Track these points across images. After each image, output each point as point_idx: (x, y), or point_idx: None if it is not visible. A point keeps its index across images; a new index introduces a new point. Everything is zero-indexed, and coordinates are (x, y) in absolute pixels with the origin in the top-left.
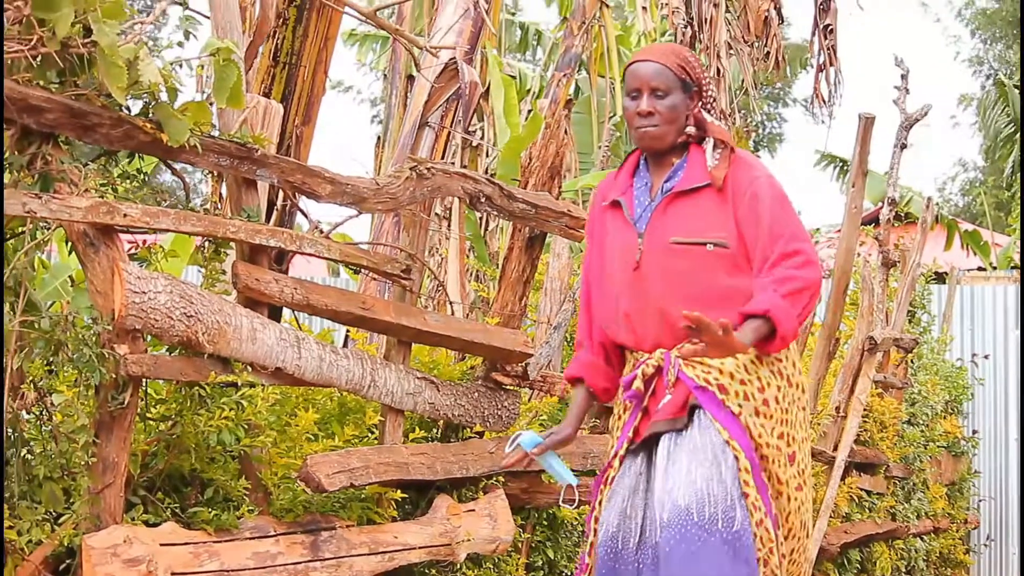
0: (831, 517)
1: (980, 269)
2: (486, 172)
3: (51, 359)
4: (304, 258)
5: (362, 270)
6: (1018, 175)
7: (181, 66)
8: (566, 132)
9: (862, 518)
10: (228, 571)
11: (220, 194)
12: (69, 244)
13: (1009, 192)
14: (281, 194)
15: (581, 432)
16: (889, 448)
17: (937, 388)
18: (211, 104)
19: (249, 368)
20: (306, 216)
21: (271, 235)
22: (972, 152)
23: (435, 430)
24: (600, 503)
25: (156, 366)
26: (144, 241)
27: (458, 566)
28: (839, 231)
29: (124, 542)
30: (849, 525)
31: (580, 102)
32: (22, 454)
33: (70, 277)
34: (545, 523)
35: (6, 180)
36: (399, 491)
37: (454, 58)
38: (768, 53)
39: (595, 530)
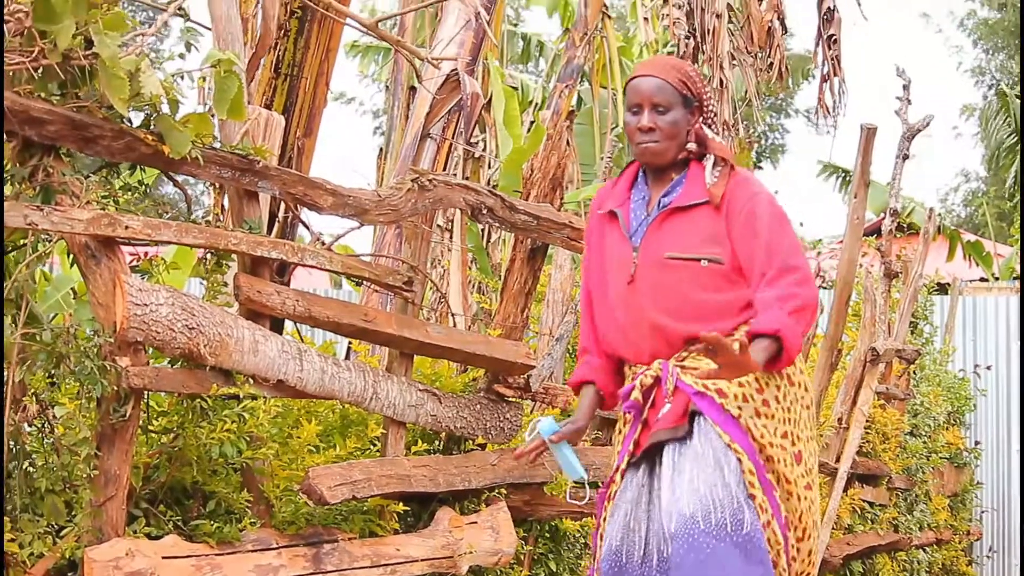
0: (833, 529)
1: (982, 280)
2: (488, 184)
3: (53, 371)
4: (306, 270)
5: (364, 282)
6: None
7: (183, 78)
8: (568, 143)
9: (864, 530)
10: None
11: (222, 206)
12: (71, 256)
13: (1011, 203)
14: (283, 206)
15: (584, 443)
16: (891, 459)
17: (939, 399)
18: (213, 116)
19: (251, 380)
20: (308, 228)
21: (273, 247)
22: (974, 163)
23: (437, 442)
24: (604, 519)
25: (158, 378)
26: (146, 253)
27: None
28: (841, 242)
29: (126, 555)
30: (851, 537)
31: (582, 113)
32: (24, 467)
33: (72, 289)
34: (547, 535)
35: (8, 192)
36: (401, 503)
37: (456, 69)
38: (771, 64)
39: (600, 546)
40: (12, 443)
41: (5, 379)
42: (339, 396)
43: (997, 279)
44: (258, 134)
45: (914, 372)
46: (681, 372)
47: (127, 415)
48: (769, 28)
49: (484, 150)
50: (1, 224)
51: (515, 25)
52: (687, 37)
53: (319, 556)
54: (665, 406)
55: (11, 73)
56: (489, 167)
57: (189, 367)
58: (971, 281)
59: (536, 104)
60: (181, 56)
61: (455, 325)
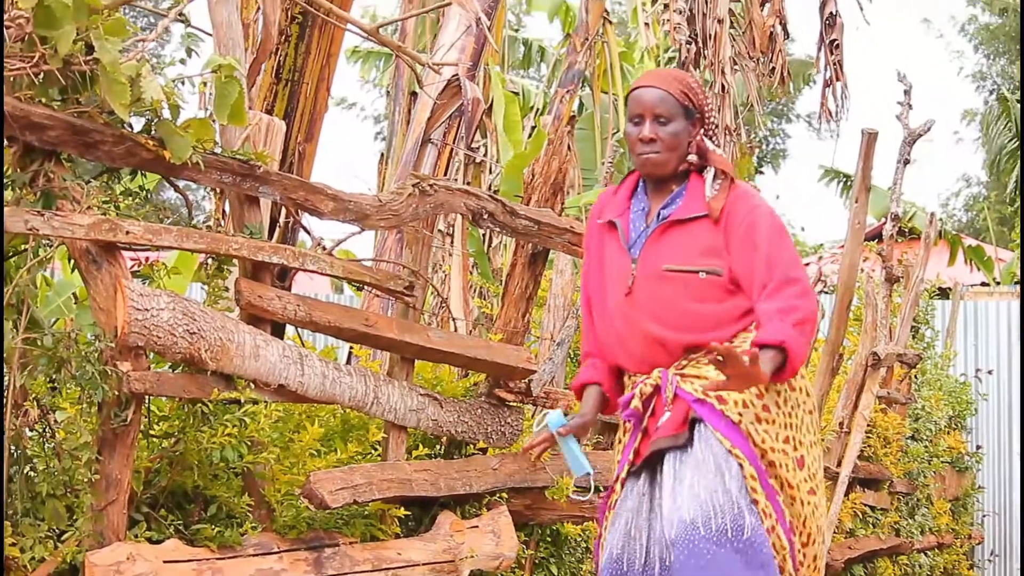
0: (835, 533)
1: (984, 284)
2: (489, 188)
3: (54, 376)
4: (307, 275)
5: (365, 287)
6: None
7: (183, 83)
8: (569, 148)
9: (866, 534)
10: None
11: (223, 211)
12: (72, 261)
13: (1012, 207)
14: (284, 211)
15: (585, 447)
16: (893, 464)
17: (941, 403)
18: (213, 121)
19: (252, 385)
20: (309, 233)
21: (274, 252)
22: (976, 167)
23: (438, 447)
24: (605, 528)
25: (159, 383)
26: (147, 258)
27: None
28: (842, 246)
29: (127, 559)
30: (853, 541)
31: (583, 118)
32: (25, 471)
33: (73, 294)
34: (549, 539)
35: (9, 197)
36: (402, 508)
37: (456, 75)
38: (774, 69)
39: (601, 555)
40: (13, 447)
41: (7, 384)
42: (340, 401)
43: (998, 283)
44: (259, 139)
45: (915, 376)
46: (681, 380)
47: (128, 420)
48: (771, 33)
49: (485, 155)
50: (1, 229)
51: (516, 30)
52: (688, 42)
53: (320, 560)
54: (664, 414)
55: (12, 78)
56: (490, 172)
57: (190, 372)
58: (972, 285)
59: (537, 109)
60: (182, 61)
61: (456, 330)
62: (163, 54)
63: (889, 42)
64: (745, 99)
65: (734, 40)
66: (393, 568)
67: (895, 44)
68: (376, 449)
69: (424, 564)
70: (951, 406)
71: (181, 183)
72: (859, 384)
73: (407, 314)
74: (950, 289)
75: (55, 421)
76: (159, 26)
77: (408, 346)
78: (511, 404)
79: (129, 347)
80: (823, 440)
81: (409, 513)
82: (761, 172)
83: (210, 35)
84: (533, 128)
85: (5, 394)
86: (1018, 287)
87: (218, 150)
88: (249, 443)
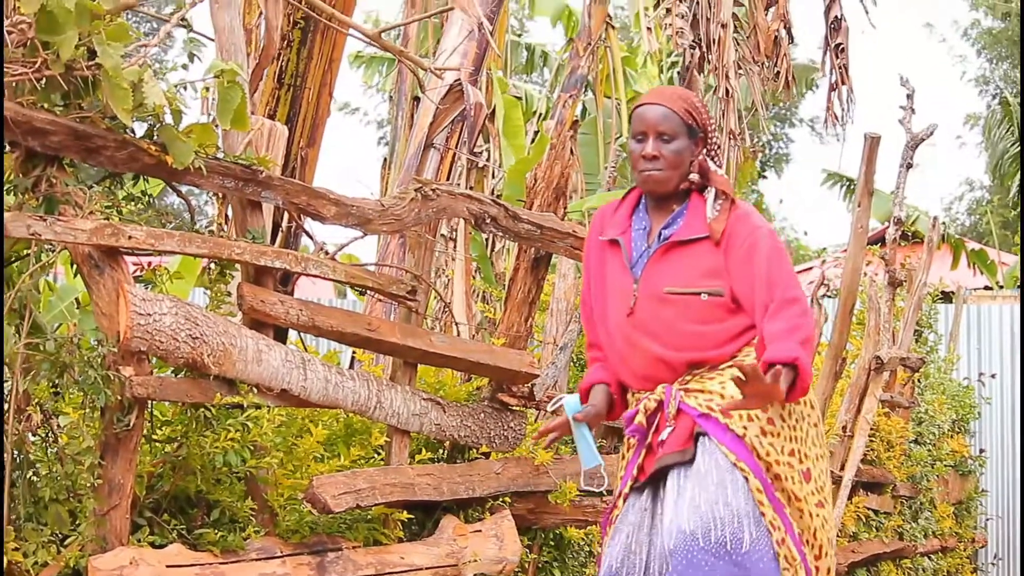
0: (839, 537)
1: (987, 288)
2: (492, 193)
3: (57, 381)
4: (310, 280)
5: (368, 292)
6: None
7: (186, 88)
8: (572, 153)
9: (869, 537)
10: None
11: (225, 216)
12: (74, 267)
13: (1015, 211)
14: (286, 216)
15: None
16: (896, 467)
17: (944, 407)
18: (216, 126)
19: (255, 390)
20: (311, 237)
21: (276, 256)
22: (978, 172)
23: (441, 451)
24: (606, 542)
25: (162, 388)
26: (149, 263)
27: None
28: (845, 251)
29: (130, 564)
30: (856, 544)
31: (586, 123)
32: (28, 476)
33: (76, 300)
34: (552, 543)
35: (11, 203)
36: (405, 512)
37: (459, 80)
38: (778, 73)
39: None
40: (16, 452)
41: (10, 389)
42: (343, 405)
43: (1001, 287)
44: (261, 144)
45: (918, 380)
46: (684, 395)
47: (131, 424)
48: (776, 37)
49: (488, 160)
50: (1, 233)
51: (519, 35)
52: (692, 47)
53: (323, 565)
54: (667, 428)
55: (14, 84)
56: (493, 177)
57: (193, 377)
58: (975, 289)
59: (540, 114)
60: (184, 67)
61: (459, 334)
62: (165, 59)
63: (892, 47)
64: (749, 104)
65: (738, 44)
66: (396, 572)
67: (898, 49)
68: (379, 453)
69: (427, 568)
70: (954, 410)
71: (184, 188)
72: (862, 388)
73: (410, 318)
74: (953, 293)
75: (58, 426)
76: (161, 31)
77: (411, 350)
78: (514, 408)
79: (132, 352)
80: (827, 444)
81: (412, 517)
82: (764, 176)
83: (212, 40)
84: (536, 133)
85: (8, 399)
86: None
87: (220, 155)
88: (252, 448)
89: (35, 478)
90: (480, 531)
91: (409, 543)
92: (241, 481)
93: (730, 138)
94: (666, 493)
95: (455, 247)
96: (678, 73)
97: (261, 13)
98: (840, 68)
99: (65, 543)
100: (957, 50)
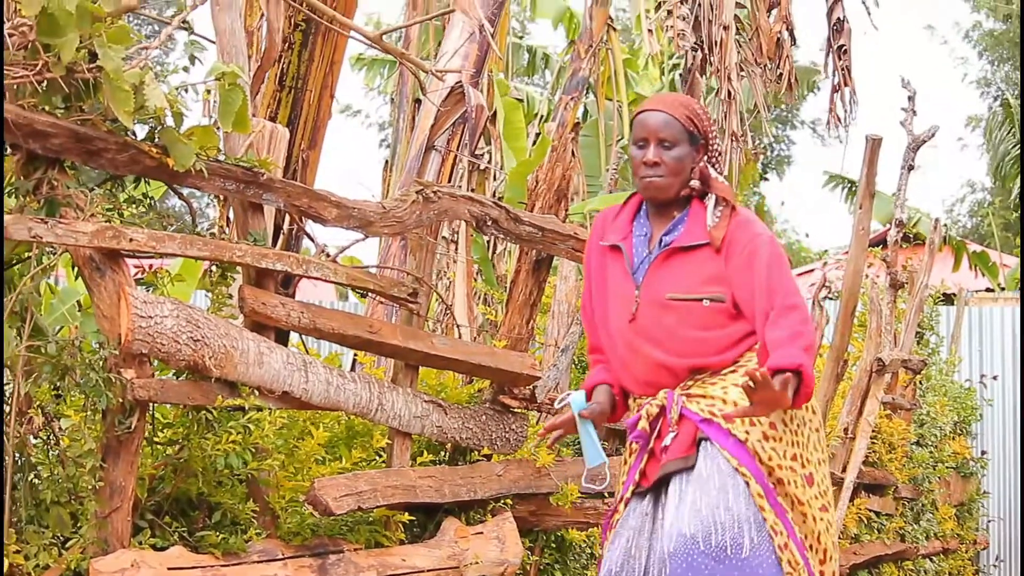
0: (840, 539)
1: (988, 290)
2: (494, 195)
3: (58, 384)
4: (312, 282)
5: (369, 294)
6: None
7: (187, 91)
8: (573, 155)
9: (871, 539)
10: None
11: (227, 218)
12: (76, 269)
13: (1017, 213)
14: (287, 218)
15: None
16: (898, 469)
17: (946, 409)
18: (217, 129)
19: (256, 392)
20: (312, 240)
21: (277, 259)
22: (980, 173)
23: (443, 453)
24: (606, 546)
25: (163, 390)
26: (151, 266)
27: None
28: (847, 252)
29: (132, 566)
30: (858, 546)
31: (588, 125)
32: (29, 478)
33: (78, 302)
34: (553, 546)
35: (12, 205)
36: (407, 514)
37: (460, 82)
38: (781, 75)
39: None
40: (17, 455)
41: (11, 391)
42: (344, 407)
43: (1003, 289)
44: (262, 146)
45: (920, 382)
46: (686, 400)
47: (132, 427)
48: (778, 39)
49: (489, 162)
50: (1, 237)
51: (521, 38)
52: (694, 49)
53: (325, 567)
54: (670, 434)
55: (15, 86)
56: (494, 179)
57: (194, 379)
58: (977, 291)
59: (542, 116)
60: (185, 69)
61: (460, 337)
62: (167, 62)
63: (893, 48)
64: (752, 105)
65: (740, 46)
66: (398, 575)
67: (899, 50)
68: (380, 456)
69: (429, 570)
70: (956, 412)
71: (185, 191)
72: (864, 390)
73: (411, 321)
74: (955, 295)
75: (59, 428)
76: (163, 34)
77: (412, 353)
78: (515, 411)
79: (133, 354)
80: (829, 446)
81: (414, 519)
82: (766, 179)
83: (213, 43)
84: (537, 135)
85: (9, 401)
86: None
87: (222, 157)
88: (253, 450)
89: (36, 480)
90: (482, 533)
91: (411, 545)
92: (242, 483)
93: (732, 140)
94: (667, 498)
95: (456, 249)
96: (680, 75)
97: (262, 15)
98: (843, 70)
99: (66, 545)
100: (958, 52)
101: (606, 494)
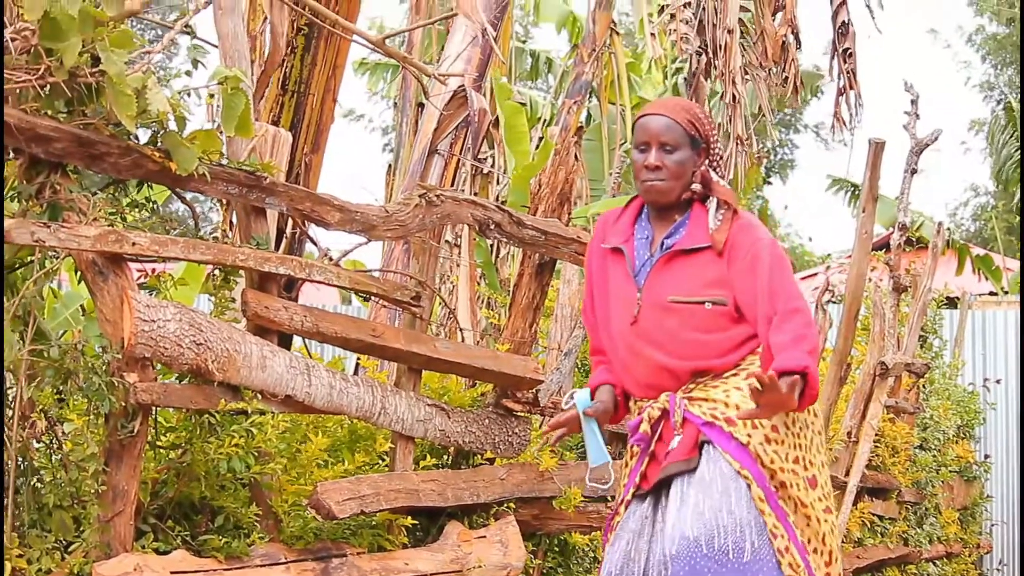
0: (843, 542)
1: (991, 294)
2: (496, 199)
3: (61, 388)
4: (315, 286)
5: (372, 297)
6: None
7: (190, 95)
8: (576, 159)
9: (874, 543)
10: None
11: (230, 222)
12: (78, 273)
13: (1019, 217)
14: (290, 222)
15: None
16: (901, 473)
17: (949, 413)
18: (220, 133)
19: (259, 396)
20: (315, 244)
21: (280, 263)
22: (983, 177)
23: (446, 457)
24: (606, 549)
25: (166, 394)
26: (153, 270)
27: None
28: (850, 256)
29: (134, 570)
30: (861, 550)
31: (591, 129)
32: (32, 482)
33: (81, 306)
34: (556, 549)
35: (15, 209)
36: (410, 518)
37: (463, 86)
38: (786, 78)
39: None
40: (20, 459)
41: (14, 396)
42: (347, 411)
43: (1006, 293)
44: (265, 150)
45: (923, 386)
46: (689, 403)
47: (135, 431)
48: (783, 43)
49: (492, 166)
50: (1, 240)
51: (524, 42)
52: (698, 53)
53: (328, 571)
54: (675, 438)
55: (18, 90)
56: (497, 183)
57: (197, 383)
58: (980, 295)
59: (545, 120)
60: (188, 73)
61: (463, 340)
62: (169, 66)
63: (896, 52)
64: (756, 109)
65: (744, 50)
66: None
67: (902, 54)
68: (383, 459)
69: (431, 574)
70: (959, 415)
71: (188, 195)
72: (867, 394)
73: (414, 324)
74: (958, 299)
75: (62, 432)
76: (165, 38)
77: (415, 356)
78: (518, 414)
79: (136, 358)
80: (831, 450)
81: (416, 523)
82: (769, 182)
83: (216, 47)
84: (540, 139)
85: (12, 405)
86: None
87: (224, 161)
88: (256, 454)
89: (39, 485)
90: (485, 537)
91: (413, 549)
92: (245, 487)
93: (737, 144)
94: (669, 501)
95: (459, 253)
96: (684, 79)
97: (265, 19)
98: (848, 73)
99: (69, 550)
100: (961, 56)
101: (609, 497)
